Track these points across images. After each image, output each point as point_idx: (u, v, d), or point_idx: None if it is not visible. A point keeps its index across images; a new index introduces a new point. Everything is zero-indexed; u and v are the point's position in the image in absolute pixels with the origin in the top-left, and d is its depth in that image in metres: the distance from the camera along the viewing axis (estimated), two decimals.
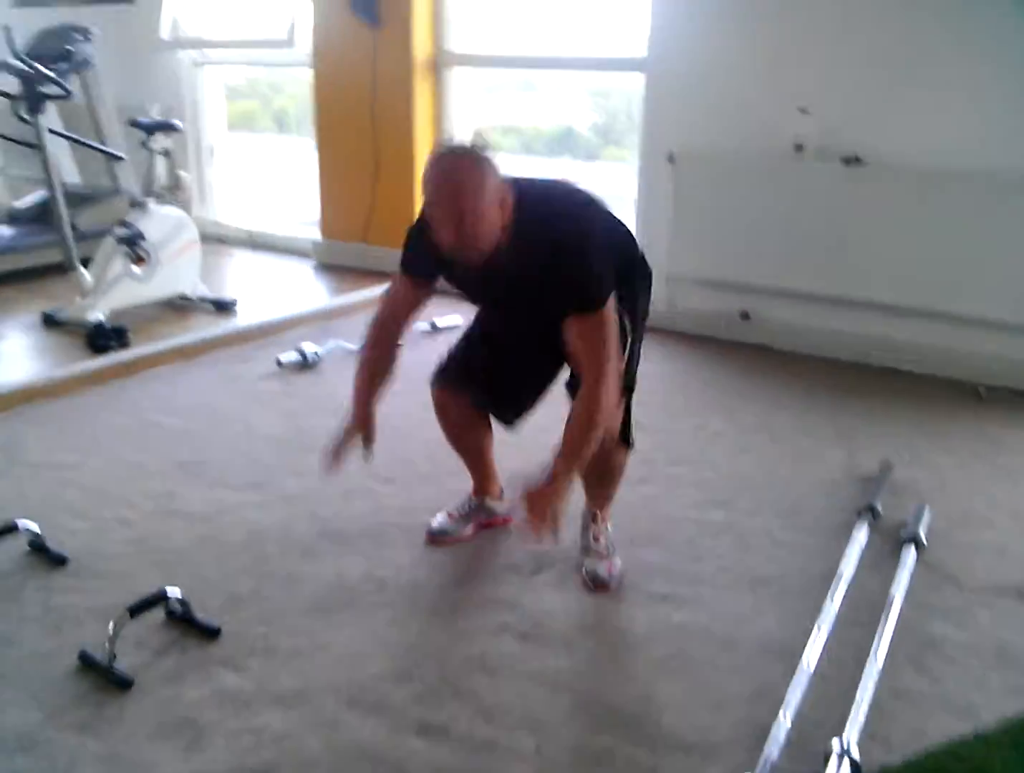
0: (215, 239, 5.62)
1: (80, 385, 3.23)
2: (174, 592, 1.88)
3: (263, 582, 2.09)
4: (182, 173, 5.61)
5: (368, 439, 2.03)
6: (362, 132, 4.70)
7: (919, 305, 3.58)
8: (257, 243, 5.54)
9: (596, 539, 2.20)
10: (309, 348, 3.52)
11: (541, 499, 1.80)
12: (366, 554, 2.22)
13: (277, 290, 4.66)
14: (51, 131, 4.05)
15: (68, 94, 3.62)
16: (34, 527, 2.17)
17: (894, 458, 2.78)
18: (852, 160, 3.59)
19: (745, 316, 4.01)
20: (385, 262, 4.62)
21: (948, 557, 2.28)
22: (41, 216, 4.87)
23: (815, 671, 1.80)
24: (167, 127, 3.91)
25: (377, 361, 2.05)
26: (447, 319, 3.84)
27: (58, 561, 2.12)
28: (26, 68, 3.47)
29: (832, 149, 3.63)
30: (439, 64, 4.61)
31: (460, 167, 1.70)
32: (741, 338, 4.00)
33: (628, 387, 2.05)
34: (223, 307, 4.08)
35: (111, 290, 3.72)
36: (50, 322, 3.80)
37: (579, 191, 1.98)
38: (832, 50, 3.60)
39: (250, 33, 5.38)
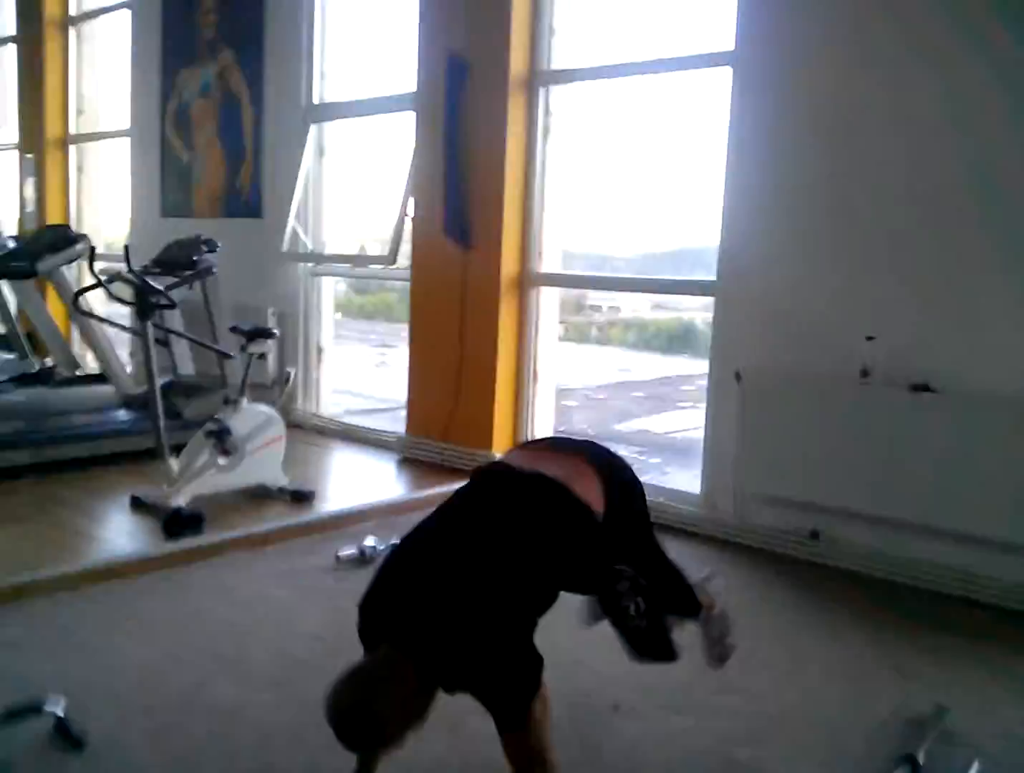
0: (314, 431, 5.94)
1: (147, 569, 3.40)
2: None
3: None
4: (289, 370, 6.06)
5: None
6: (450, 341, 4.98)
7: (996, 535, 3.42)
8: (351, 436, 5.80)
9: None
10: (368, 543, 3.62)
11: None
12: None
13: (357, 482, 4.85)
14: (165, 329, 4.52)
15: (173, 305, 4.03)
16: (60, 710, 2.25)
17: (956, 702, 2.60)
18: (920, 387, 3.57)
19: (815, 535, 3.90)
20: (463, 461, 4.81)
21: None
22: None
23: None
24: (264, 333, 4.26)
25: None
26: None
27: (76, 746, 2.19)
28: (138, 283, 3.91)
29: (900, 374, 3.62)
30: (524, 283, 4.91)
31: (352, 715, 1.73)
32: (811, 558, 3.88)
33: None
34: (301, 498, 4.26)
35: (195, 479, 3.96)
36: (137, 504, 4.05)
37: (504, 555, 1.90)
38: (900, 275, 3.67)
39: (357, 248, 5.92)
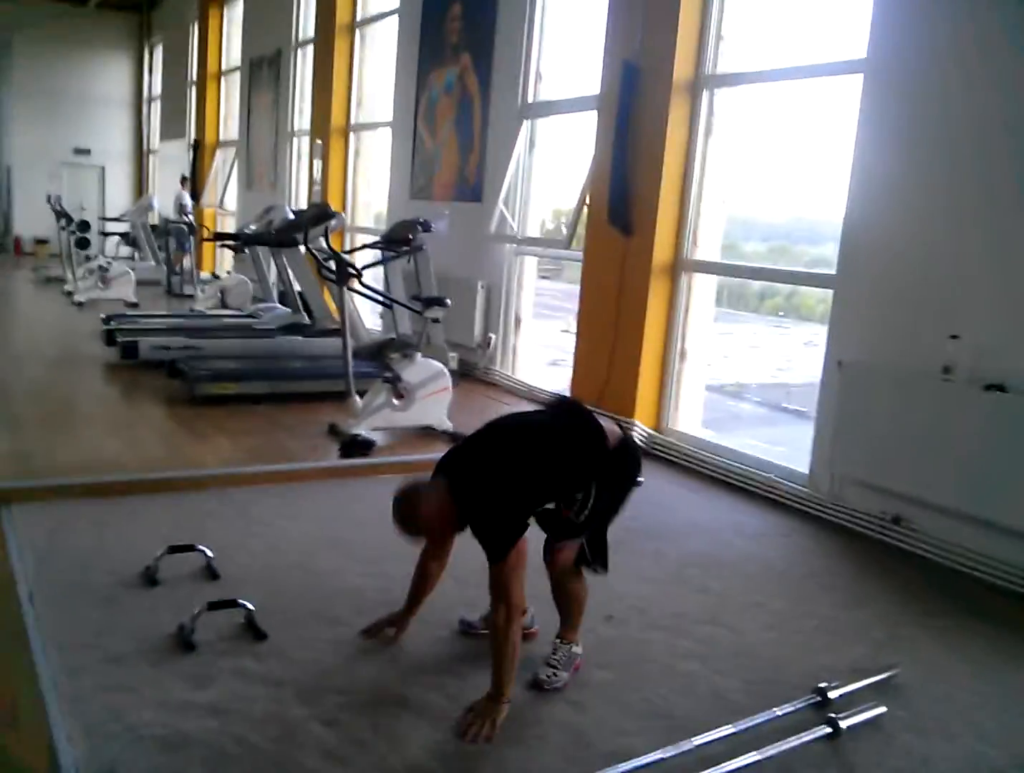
0: (506, 389, 6.85)
1: (318, 477, 4.46)
2: (244, 603, 2.86)
3: (318, 618, 2.98)
4: (491, 335, 6.99)
5: (400, 631, 2.86)
6: (609, 319, 5.63)
7: None
8: (534, 397, 6.62)
9: (553, 651, 2.74)
10: None
11: (483, 712, 2.43)
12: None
13: None
14: (377, 292, 5.56)
15: (359, 276, 5.01)
16: (209, 552, 3.28)
17: (922, 666, 2.95)
18: (995, 387, 3.73)
19: (896, 520, 4.16)
20: None
21: (865, 750, 2.47)
22: (376, 354, 6.44)
23: None
24: (438, 302, 5.16)
25: (426, 577, 2.88)
26: None
27: (214, 577, 3.21)
28: (335, 258, 4.95)
29: (980, 374, 3.80)
30: (676, 269, 5.43)
31: (400, 504, 2.56)
32: (892, 541, 4.14)
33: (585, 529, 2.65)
34: (457, 439, 5.11)
35: (371, 414, 4.98)
36: (333, 430, 5.14)
37: (516, 448, 2.60)
38: (991, 278, 3.84)
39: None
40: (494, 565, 2.49)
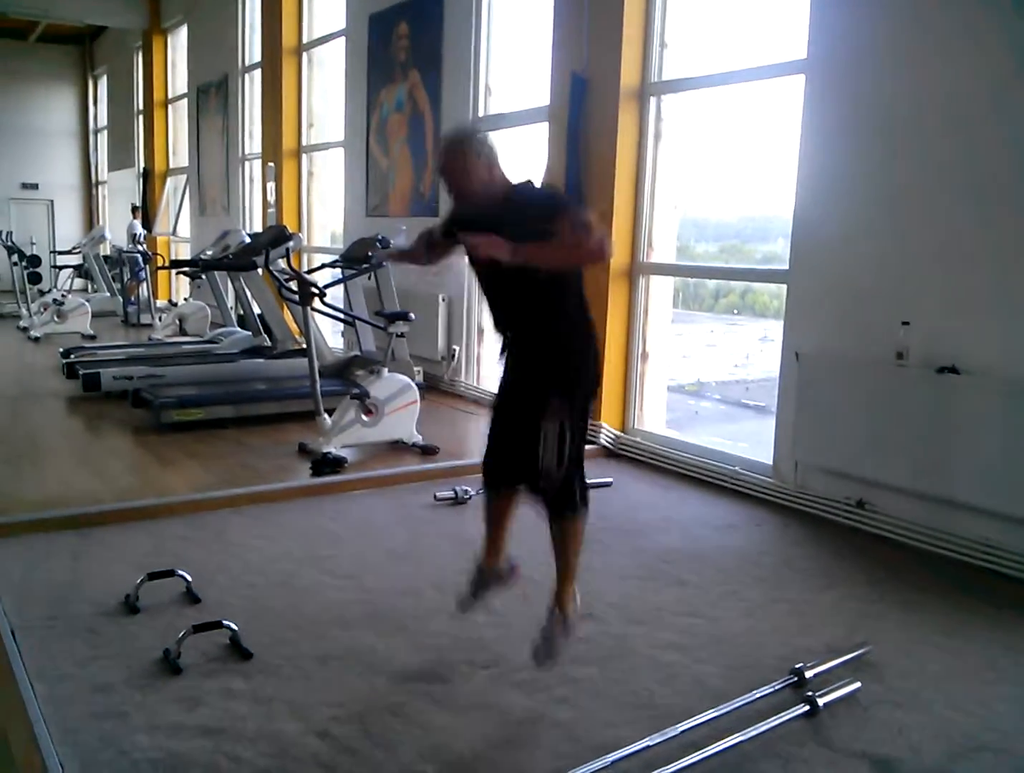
0: (471, 400, 6.90)
1: (291, 496, 4.47)
2: (228, 623, 2.88)
3: (302, 634, 3.00)
4: (454, 347, 7.03)
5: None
6: None
7: (1014, 512, 3.67)
8: None
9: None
10: (462, 488, 4.45)
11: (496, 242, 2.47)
12: (377, 634, 3.03)
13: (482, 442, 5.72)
14: (340, 310, 5.58)
15: (323, 294, 5.05)
16: (188, 577, 3.29)
17: (891, 644, 3.04)
18: (947, 369, 3.86)
19: (861, 504, 4.27)
20: None
21: (843, 725, 2.56)
22: (342, 371, 6.48)
23: None
24: (402, 317, 5.20)
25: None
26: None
27: (194, 601, 3.22)
28: (299, 279, 4.99)
29: (932, 358, 3.93)
30: (633, 272, 5.53)
31: (453, 140, 2.72)
32: (857, 524, 4.26)
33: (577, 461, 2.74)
34: (427, 451, 5.19)
35: (341, 432, 5.00)
36: (303, 450, 5.16)
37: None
38: (938, 267, 3.97)
39: None
40: (575, 212, 2.61)
